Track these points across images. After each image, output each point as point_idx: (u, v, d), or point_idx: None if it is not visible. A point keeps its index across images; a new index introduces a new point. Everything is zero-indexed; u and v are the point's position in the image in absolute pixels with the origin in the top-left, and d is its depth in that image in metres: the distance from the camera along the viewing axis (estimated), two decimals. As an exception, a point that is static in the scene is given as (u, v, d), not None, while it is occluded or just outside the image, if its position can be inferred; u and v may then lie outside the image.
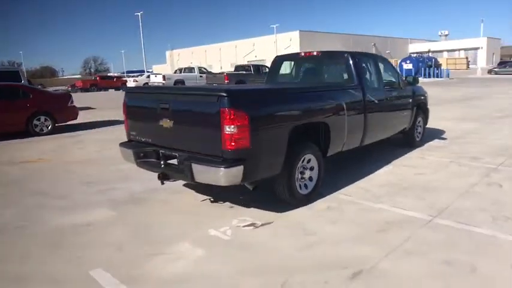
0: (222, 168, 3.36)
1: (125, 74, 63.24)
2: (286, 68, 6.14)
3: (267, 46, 67.14)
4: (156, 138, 4.10)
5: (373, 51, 69.61)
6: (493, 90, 20.72)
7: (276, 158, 3.74)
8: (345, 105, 4.61)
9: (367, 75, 5.50)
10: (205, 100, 3.58)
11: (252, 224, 3.79)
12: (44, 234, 3.73)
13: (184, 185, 5.12)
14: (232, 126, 3.32)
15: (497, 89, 21.50)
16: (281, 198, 4.08)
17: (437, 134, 8.24)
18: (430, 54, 46.32)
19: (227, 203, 4.38)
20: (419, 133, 7.22)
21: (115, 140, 8.97)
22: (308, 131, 4.19)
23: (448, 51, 69.85)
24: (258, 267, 3.00)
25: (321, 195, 4.48)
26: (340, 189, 4.76)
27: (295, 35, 63.92)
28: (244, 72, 21.95)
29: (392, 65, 6.69)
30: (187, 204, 4.43)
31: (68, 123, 10.79)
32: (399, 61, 35.74)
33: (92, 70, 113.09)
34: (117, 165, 6.29)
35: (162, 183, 4.11)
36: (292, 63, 6.13)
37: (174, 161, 3.99)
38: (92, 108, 17.01)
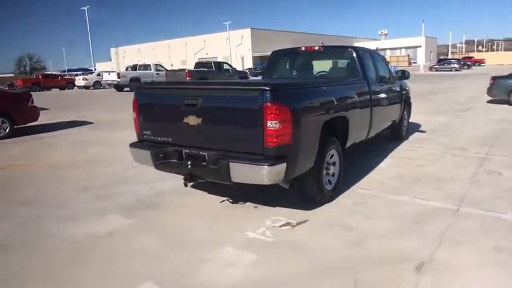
0: (265, 167, 3.19)
1: (66, 73, 59.40)
2: (285, 63, 6.04)
3: (219, 43, 66.64)
4: (178, 137, 3.81)
5: (322, 49, 71.77)
6: (443, 85, 22.24)
7: (311, 153, 3.64)
8: (358, 99, 4.63)
9: (369, 69, 5.55)
10: (245, 95, 3.37)
11: (288, 224, 3.66)
12: (59, 249, 3.32)
13: (192, 186, 4.86)
14: (275, 122, 3.16)
15: (446, 84, 23.11)
16: (309, 195, 3.98)
17: (416, 127, 8.60)
18: (377, 52, 48.45)
19: (248, 204, 4.20)
20: (405, 126, 7.48)
21: (88, 142, 8.42)
22: (331, 126, 4.13)
23: (390, 49, 73.79)
24: (319, 267, 2.89)
25: (341, 191, 4.45)
26: (354, 183, 4.76)
27: (246, 32, 64.01)
28: (206, 69, 21.51)
29: (383, 59, 6.85)
30: (207, 207, 4.18)
31: (28, 125, 9.86)
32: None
33: (27, 68, 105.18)
34: (105, 168, 5.84)
35: (186, 185, 3.84)
36: (292, 58, 6.04)
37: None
38: (45, 109, 15.71)
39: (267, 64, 6.13)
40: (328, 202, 4.14)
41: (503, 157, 5.85)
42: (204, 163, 3.61)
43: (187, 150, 3.72)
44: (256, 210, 4.04)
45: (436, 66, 44.64)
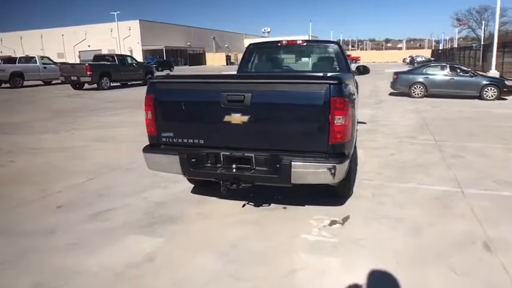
0: (335, 165, 3.04)
1: None
2: (263, 56, 5.83)
3: (103, 35, 61.28)
4: (214, 138, 3.36)
5: (213, 44, 72.06)
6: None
7: (353, 148, 3.60)
8: (356, 94, 4.76)
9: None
10: (308, 89, 3.12)
11: (335, 222, 3.58)
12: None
13: (193, 192, 4.39)
14: (342, 117, 3.04)
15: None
16: (341, 191, 3.94)
17: (355, 118, 9.24)
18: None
19: (274, 205, 3.97)
20: (355, 118, 7.97)
21: (3, 150, 6.83)
22: None
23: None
24: (407, 259, 2.89)
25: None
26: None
27: (135, 24, 60.20)
28: (108, 63, 19.50)
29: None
30: (233, 213, 3.82)
31: None
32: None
33: None
34: (60, 182, 4.85)
35: (225, 191, 3.43)
36: (272, 51, 5.87)
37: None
38: None
39: (243, 57, 5.84)
40: (350, 196, 4.15)
41: (451, 142, 6.69)
42: (251, 165, 3.27)
43: (226, 153, 3.32)
44: (290, 212, 3.84)
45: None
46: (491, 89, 12.62)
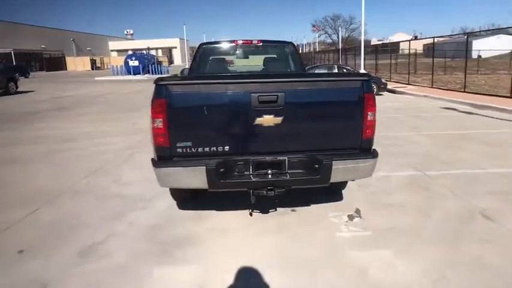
0: (372, 160, 3.13)
1: None
2: (217, 56, 5.55)
3: None
4: (244, 143, 3.06)
5: (73, 47, 65.14)
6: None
7: None
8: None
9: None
10: (344, 86, 3.08)
11: (352, 217, 3.67)
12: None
13: (181, 208, 3.96)
14: (372, 113, 3.14)
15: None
16: (342, 186, 4.05)
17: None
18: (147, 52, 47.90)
19: (280, 210, 3.84)
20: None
21: None
22: None
23: (146, 49, 74.80)
24: (449, 236, 3.14)
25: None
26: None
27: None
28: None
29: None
30: (246, 224, 3.58)
31: None
32: (124, 58, 35.44)
33: None
34: (5, 215, 3.84)
35: (254, 200, 3.18)
36: (226, 51, 5.61)
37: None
38: None
39: (194, 58, 5.46)
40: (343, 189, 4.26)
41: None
42: (284, 169, 3.10)
43: (257, 158, 3.07)
44: (302, 213, 3.78)
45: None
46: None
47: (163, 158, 3.05)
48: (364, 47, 20.69)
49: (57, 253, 3.09)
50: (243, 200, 3.72)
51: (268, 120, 2.97)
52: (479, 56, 37.50)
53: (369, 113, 3.09)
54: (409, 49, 22.73)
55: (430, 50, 27.18)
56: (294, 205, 3.90)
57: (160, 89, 2.92)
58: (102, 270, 2.82)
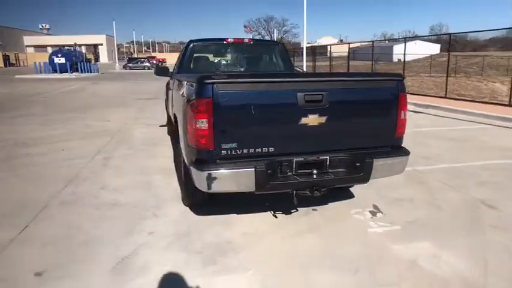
0: (406, 157, 3.26)
1: None
2: (207, 54, 5.34)
3: None
4: (288, 143, 2.98)
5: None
6: (160, 81, 24.05)
7: None
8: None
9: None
10: (381, 86, 3.14)
11: (373, 212, 3.78)
12: None
13: (198, 213, 3.77)
14: (405, 112, 3.27)
15: (162, 81, 25.11)
16: None
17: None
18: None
19: (302, 210, 3.82)
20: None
21: None
22: None
23: (68, 46, 69.41)
24: (469, 225, 3.38)
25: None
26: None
27: None
28: None
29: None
30: (276, 226, 3.52)
31: None
32: (49, 55, 32.45)
33: None
34: (18, 222, 3.35)
35: (297, 202, 3.12)
36: (217, 49, 5.40)
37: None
38: None
39: (183, 55, 5.18)
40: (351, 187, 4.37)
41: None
42: (325, 169, 3.10)
43: (300, 158, 3.02)
44: (325, 212, 3.80)
45: (130, 65, 46.54)
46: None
47: (206, 160, 2.86)
48: (299, 49, 21.46)
49: (84, 272, 2.73)
50: (256, 203, 3.71)
51: (313, 119, 2.94)
52: (399, 60, 41.15)
53: (402, 111, 3.21)
54: (350, 51, 24.03)
55: (356, 53, 28.98)
56: (311, 204, 3.90)
57: (206, 88, 2.74)
58: (150, 286, 2.56)
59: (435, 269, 2.76)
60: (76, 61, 32.34)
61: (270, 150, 2.95)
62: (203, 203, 3.80)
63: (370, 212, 3.76)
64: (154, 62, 47.91)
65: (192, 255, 2.97)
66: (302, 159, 3.02)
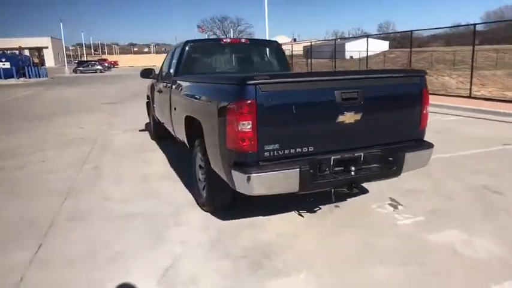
0: (431, 149, 3.38)
1: None
2: (205, 55, 5.19)
3: None
4: (326, 141, 2.97)
5: None
6: (118, 84, 23.25)
7: None
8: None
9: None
10: (406, 82, 3.22)
11: (394, 205, 3.88)
12: None
13: (222, 218, 3.67)
14: (427, 106, 3.39)
15: (120, 84, 24.26)
16: None
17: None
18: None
19: (325, 208, 3.84)
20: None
21: None
22: None
23: (9, 49, 64.75)
24: (486, 212, 3.58)
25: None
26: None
27: None
28: None
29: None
30: (307, 226, 3.51)
31: None
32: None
33: None
34: (28, 242, 3.08)
35: (333, 198, 3.14)
36: (214, 50, 5.26)
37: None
38: None
39: (180, 56, 4.99)
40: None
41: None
42: (360, 165, 3.14)
43: (337, 156, 3.04)
44: (349, 208, 3.84)
45: (81, 69, 44.37)
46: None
47: (248, 163, 2.78)
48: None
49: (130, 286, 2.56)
50: (276, 204, 3.73)
51: (349, 117, 2.96)
52: (351, 57, 42.75)
53: (425, 106, 3.32)
54: (305, 50, 24.50)
55: (309, 51, 29.71)
56: (330, 201, 3.91)
57: (249, 89, 2.66)
58: (208, 298, 2.45)
59: (473, 253, 2.89)
60: (23, 65, 30.25)
61: (310, 150, 2.93)
62: (224, 207, 3.71)
63: (390, 205, 3.86)
64: (106, 64, 46.08)
65: (236, 261, 2.88)
66: (339, 156, 3.04)
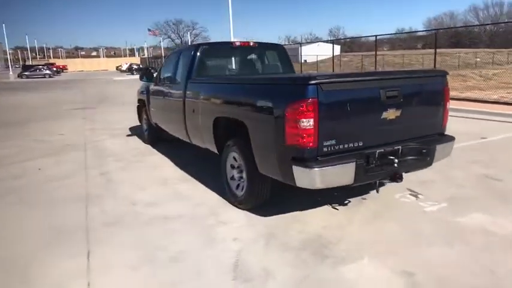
0: (453, 142, 3.75)
1: None
2: (218, 58, 5.27)
3: None
4: (372, 136, 3.22)
5: None
6: (75, 90, 22.33)
7: None
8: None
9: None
10: (433, 81, 3.56)
11: (414, 195, 4.19)
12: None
13: (262, 214, 3.81)
14: (448, 103, 3.76)
15: (77, 89, 23.30)
16: None
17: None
18: None
19: (353, 200, 4.09)
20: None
21: None
22: None
23: None
24: (502, 197, 4.00)
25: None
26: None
27: None
28: None
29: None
30: (342, 218, 3.72)
31: None
32: None
33: None
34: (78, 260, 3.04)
35: (378, 191, 3.40)
36: (226, 53, 5.34)
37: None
38: None
39: (193, 60, 5.01)
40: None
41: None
42: (398, 157, 3.42)
43: (381, 150, 3.30)
44: (374, 200, 4.09)
45: (27, 73, 41.73)
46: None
47: (308, 159, 2.95)
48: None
49: (211, 286, 2.61)
50: (306, 199, 3.92)
51: (391, 113, 3.24)
52: (305, 61, 44.12)
53: (447, 102, 3.69)
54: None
55: None
56: (353, 195, 4.17)
57: (312, 88, 2.84)
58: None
59: (503, 230, 3.27)
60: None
61: (359, 144, 3.16)
62: (261, 204, 3.83)
63: (411, 194, 4.19)
64: (55, 69, 43.67)
65: (298, 252, 3.02)
66: (382, 150, 3.29)
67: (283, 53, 5.72)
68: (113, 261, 3.01)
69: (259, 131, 3.35)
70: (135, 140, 7.75)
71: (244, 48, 5.47)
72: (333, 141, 3.02)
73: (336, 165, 2.96)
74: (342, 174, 3.01)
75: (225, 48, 5.42)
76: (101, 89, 23.84)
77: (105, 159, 6.23)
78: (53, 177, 5.27)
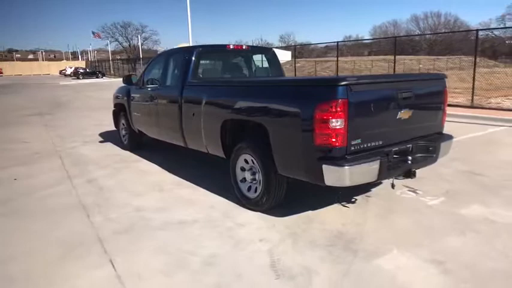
0: (453, 139, 4.05)
1: None
2: (213, 61, 5.21)
3: None
4: (389, 135, 3.38)
5: None
6: (22, 95, 20.91)
7: None
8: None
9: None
10: (436, 83, 3.81)
11: (413, 191, 4.44)
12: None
13: (280, 215, 3.86)
14: (446, 104, 4.06)
15: (23, 95, 21.81)
16: None
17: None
18: None
19: (359, 197, 4.26)
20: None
21: None
22: None
23: None
24: (501, 187, 4.37)
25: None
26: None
27: None
28: None
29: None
30: (355, 215, 3.86)
31: None
32: None
33: None
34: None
35: (394, 186, 3.59)
36: (220, 56, 5.28)
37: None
38: None
39: (190, 61, 4.91)
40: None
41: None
42: (410, 155, 3.64)
43: (396, 148, 3.49)
44: (379, 197, 4.28)
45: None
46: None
47: (338, 158, 3.04)
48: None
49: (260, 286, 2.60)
50: (314, 199, 4.05)
51: (405, 113, 3.45)
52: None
53: (446, 103, 3.98)
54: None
55: None
56: (356, 194, 4.34)
57: (343, 89, 2.95)
58: (335, 283, 2.64)
59: (503, 219, 3.58)
60: None
61: (380, 143, 3.32)
62: (276, 206, 3.86)
63: (410, 191, 4.44)
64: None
65: (328, 248, 3.09)
66: (397, 148, 3.48)
67: (274, 56, 5.81)
68: (140, 268, 2.88)
69: (282, 132, 3.39)
70: (112, 146, 7.41)
71: (238, 52, 5.48)
72: (359, 140, 3.14)
73: (364, 163, 3.08)
74: (369, 171, 3.14)
75: (220, 51, 5.39)
76: (49, 94, 22.41)
77: (85, 166, 5.90)
78: (35, 187, 4.90)
